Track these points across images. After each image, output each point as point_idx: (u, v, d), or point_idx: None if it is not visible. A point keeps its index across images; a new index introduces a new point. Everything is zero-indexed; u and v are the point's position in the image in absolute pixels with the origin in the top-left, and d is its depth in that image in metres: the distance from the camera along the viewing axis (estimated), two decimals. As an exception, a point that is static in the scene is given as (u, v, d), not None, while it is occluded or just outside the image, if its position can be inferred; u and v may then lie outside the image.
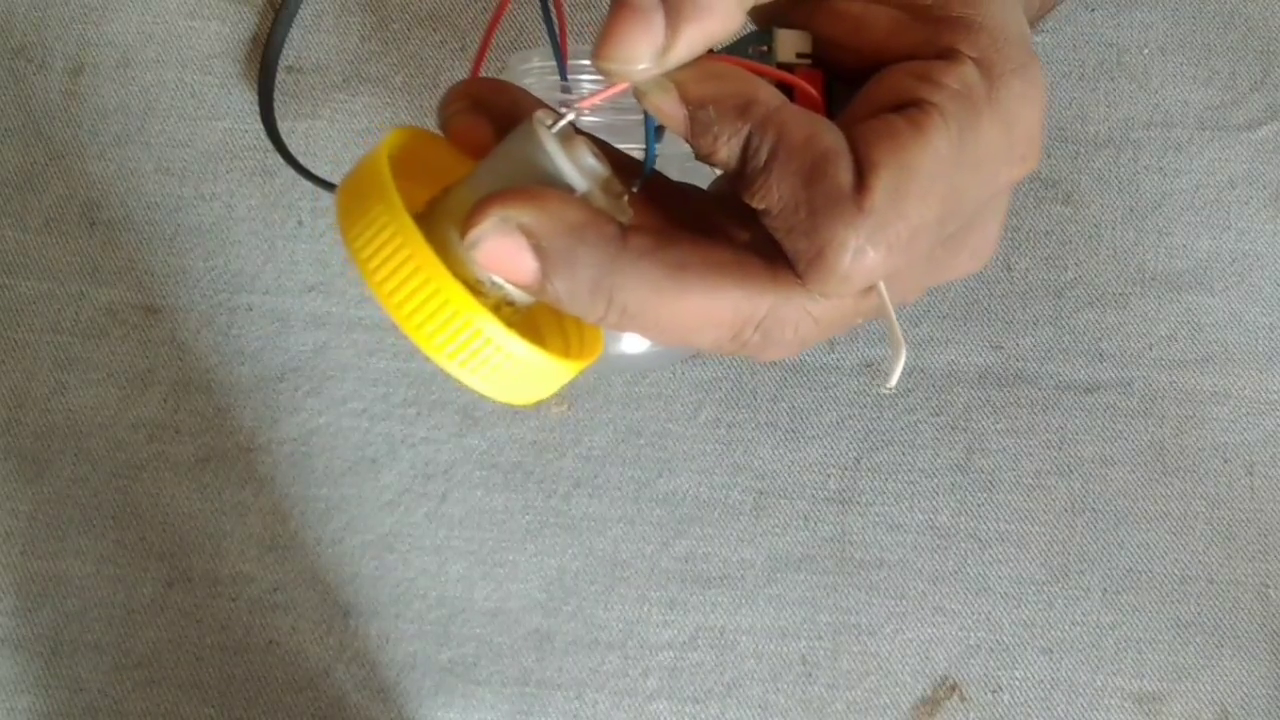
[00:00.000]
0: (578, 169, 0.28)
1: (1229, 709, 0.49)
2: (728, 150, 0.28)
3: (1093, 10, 0.55)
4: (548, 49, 0.44)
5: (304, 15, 0.55)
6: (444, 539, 0.50)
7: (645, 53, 0.27)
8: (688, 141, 0.29)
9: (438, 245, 0.27)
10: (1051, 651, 0.49)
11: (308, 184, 0.53)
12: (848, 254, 0.27)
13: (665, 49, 0.28)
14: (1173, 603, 0.50)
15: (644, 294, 0.28)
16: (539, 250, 0.27)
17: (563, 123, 0.29)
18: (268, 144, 0.53)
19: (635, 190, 0.30)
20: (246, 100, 0.54)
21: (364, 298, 0.52)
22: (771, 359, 0.32)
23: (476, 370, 0.27)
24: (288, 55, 0.54)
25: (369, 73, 0.54)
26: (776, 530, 0.50)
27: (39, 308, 0.52)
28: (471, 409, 0.51)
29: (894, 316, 0.30)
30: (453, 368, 0.27)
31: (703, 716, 0.49)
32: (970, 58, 0.29)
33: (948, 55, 0.29)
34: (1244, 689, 0.49)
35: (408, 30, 0.55)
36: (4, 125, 0.54)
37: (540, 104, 0.31)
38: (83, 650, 0.50)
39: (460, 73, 0.54)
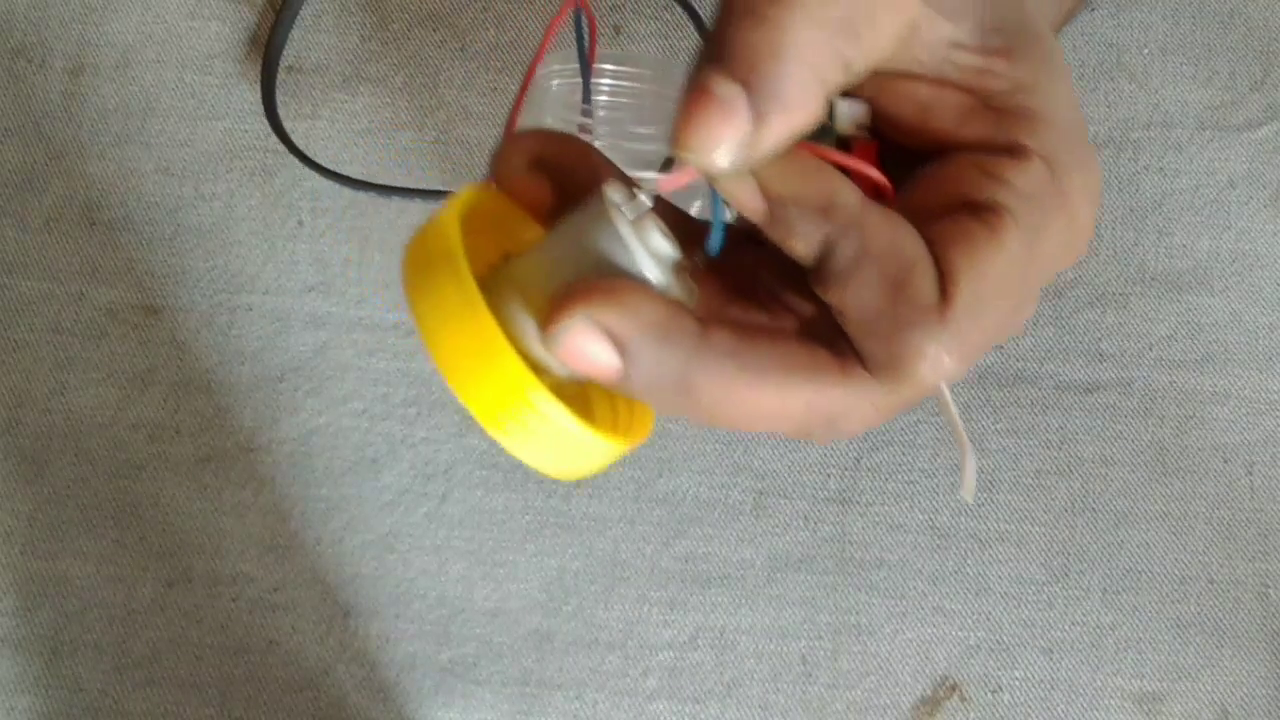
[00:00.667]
0: (653, 258, 0.28)
1: (1229, 709, 0.49)
2: (806, 247, 0.28)
3: (1093, 10, 0.55)
4: (568, 53, 0.45)
5: (304, 15, 0.55)
6: (444, 539, 0.50)
7: (728, 146, 0.26)
8: (762, 230, 0.28)
9: (501, 317, 0.27)
10: (1051, 651, 0.49)
11: (308, 184, 0.53)
12: (926, 363, 0.28)
13: (750, 145, 0.27)
14: (1173, 603, 0.50)
15: (721, 394, 0.28)
16: (621, 349, 0.27)
17: (638, 206, 0.28)
18: (268, 144, 0.53)
19: (699, 263, 0.30)
20: (246, 100, 0.54)
21: (363, 298, 0.52)
22: (829, 443, 0.32)
23: (531, 446, 0.27)
24: (288, 55, 0.54)
25: (369, 73, 0.54)
26: (776, 530, 0.50)
27: (39, 308, 0.52)
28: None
29: (958, 418, 0.31)
30: (508, 442, 0.27)
31: (703, 716, 0.49)
32: (1038, 154, 0.29)
33: (1016, 152, 0.29)
34: (1244, 689, 0.49)
35: (408, 30, 0.55)
36: (4, 125, 0.54)
37: (605, 162, 0.30)
38: (83, 650, 0.50)
39: (460, 73, 0.54)
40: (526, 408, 0.27)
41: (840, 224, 0.27)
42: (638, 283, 0.27)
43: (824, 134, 0.30)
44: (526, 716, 0.49)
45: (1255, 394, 0.51)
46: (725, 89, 0.26)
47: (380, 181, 0.53)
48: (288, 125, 0.53)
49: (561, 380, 0.29)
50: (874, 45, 0.28)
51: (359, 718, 0.49)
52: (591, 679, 0.49)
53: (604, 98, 0.46)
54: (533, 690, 0.49)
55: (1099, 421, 0.51)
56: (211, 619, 0.50)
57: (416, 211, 0.53)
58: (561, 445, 0.28)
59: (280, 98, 0.54)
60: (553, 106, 0.45)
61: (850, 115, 0.30)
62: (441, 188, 0.53)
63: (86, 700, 0.49)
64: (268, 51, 0.53)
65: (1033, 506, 0.50)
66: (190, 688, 0.49)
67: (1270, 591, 0.50)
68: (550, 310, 0.27)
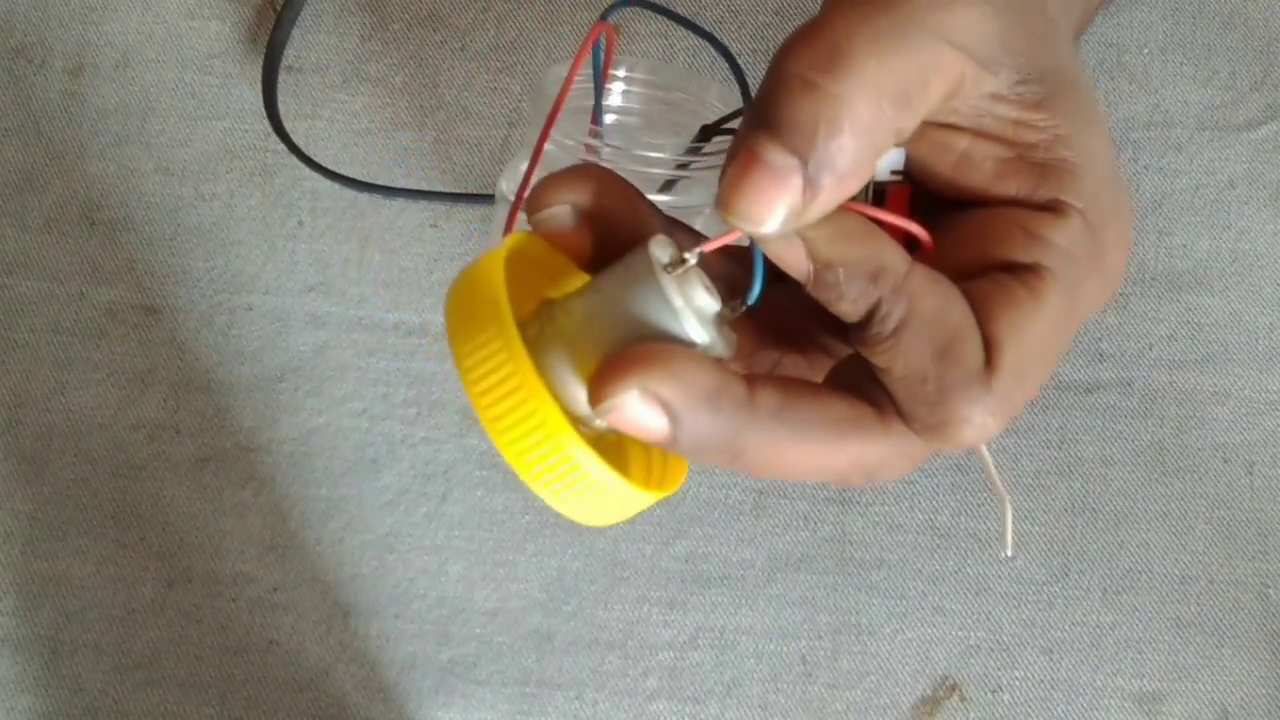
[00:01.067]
0: (698, 316, 0.28)
1: (1229, 709, 0.49)
2: (852, 309, 0.28)
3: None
4: (584, 60, 0.44)
5: (304, 15, 0.55)
6: (444, 539, 0.50)
7: (778, 215, 0.26)
8: (807, 289, 0.28)
9: (542, 367, 0.28)
10: (1051, 651, 0.49)
11: (308, 184, 0.53)
12: (971, 428, 0.28)
13: (800, 214, 0.27)
14: (1173, 603, 0.50)
15: (770, 455, 0.28)
16: (671, 417, 0.27)
17: (683, 265, 0.28)
18: (268, 144, 0.53)
19: (739, 311, 0.30)
20: (246, 100, 0.54)
21: (363, 298, 0.52)
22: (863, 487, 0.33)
23: (565, 496, 0.28)
24: (288, 55, 0.54)
25: (369, 73, 0.54)
26: (776, 530, 0.50)
27: (39, 308, 0.52)
28: (471, 409, 0.51)
29: (996, 473, 0.32)
30: (541, 490, 0.28)
31: (703, 716, 0.49)
32: (1075, 210, 0.29)
33: (1054, 208, 0.29)
34: (1244, 689, 0.49)
35: (408, 30, 0.55)
36: (4, 125, 0.54)
37: (648, 210, 0.30)
38: (83, 650, 0.50)
39: (460, 73, 0.54)
40: (567, 463, 0.27)
41: (889, 289, 0.27)
42: (687, 349, 0.28)
43: None
44: (526, 716, 0.49)
45: (1255, 394, 0.51)
46: (779, 158, 0.26)
47: (380, 181, 0.53)
48: (288, 125, 0.53)
49: (600, 431, 0.29)
50: (924, 109, 0.28)
51: (359, 718, 0.49)
52: (591, 679, 0.49)
53: (612, 101, 0.46)
54: (533, 690, 0.49)
55: (1099, 421, 0.51)
56: (211, 619, 0.50)
57: (417, 211, 0.53)
58: (600, 498, 0.28)
59: (280, 98, 0.54)
60: (564, 115, 0.45)
61: (887, 163, 0.30)
62: (441, 188, 0.53)
63: (86, 700, 0.49)
64: (268, 51, 0.54)
65: (1033, 506, 0.50)
66: (190, 688, 0.49)
67: (1270, 591, 0.50)
68: (600, 378, 0.27)
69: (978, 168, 0.29)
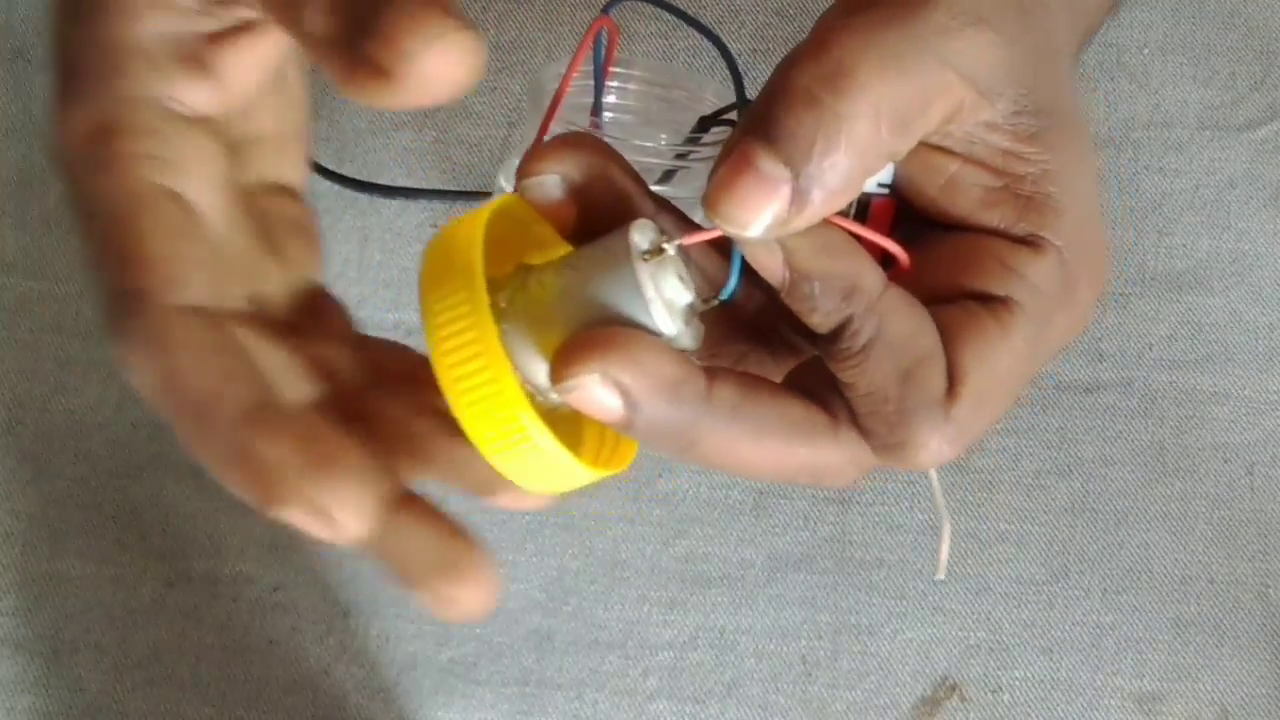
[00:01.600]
0: (668, 307, 0.28)
1: (1229, 709, 0.49)
2: (823, 321, 0.28)
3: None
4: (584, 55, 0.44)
5: (304, 15, 0.55)
6: (444, 539, 0.50)
7: (762, 222, 0.27)
8: (781, 296, 0.28)
9: (508, 335, 0.28)
10: (1051, 651, 0.49)
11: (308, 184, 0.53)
12: (926, 452, 0.28)
13: (784, 223, 0.27)
14: (1173, 603, 0.50)
15: (721, 450, 0.28)
16: (629, 403, 0.27)
17: (661, 254, 0.28)
18: (268, 144, 0.53)
19: (712, 304, 0.30)
20: (246, 100, 0.54)
21: (363, 298, 0.52)
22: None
23: (509, 460, 0.28)
24: (288, 55, 0.54)
25: (369, 73, 0.54)
26: (776, 530, 0.50)
27: (39, 308, 0.52)
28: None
29: (941, 495, 0.32)
30: (488, 452, 0.28)
31: (703, 716, 0.49)
32: (1053, 247, 0.29)
33: (1033, 243, 0.29)
34: (1244, 689, 0.49)
35: (408, 30, 0.55)
36: (4, 125, 0.54)
37: (636, 187, 0.30)
38: (83, 650, 0.50)
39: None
40: (519, 433, 0.27)
41: (862, 307, 0.28)
42: (651, 337, 0.28)
43: None
44: (526, 716, 0.49)
45: (1255, 394, 0.51)
46: (771, 167, 0.26)
47: (380, 181, 0.53)
48: (288, 125, 0.53)
49: (556, 403, 0.29)
50: (921, 133, 0.28)
51: (359, 718, 0.49)
52: (591, 679, 0.49)
53: (611, 99, 0.46)
54: (533, 690, 0.49)
55: (1099, 421, 0.51)
56: (211, 619, 0.50)
57: (416, 211, 0.53)
58: (544, 469, 0.28)
59: (280, 98, 0.54)
60: (562, 110, 0.45)
61: (876, 176, 0.30)
62: (441, 187, 0.53)
63: (86, 700, 0.49)
64: (268, 51, 0.53)
65: (1033, 506, 0.50)
66: (190, 687, 0.49)
67: (1270, 591, 0.50)
68: (563, 357, 0.27)
69: (964, 193, 0.30)
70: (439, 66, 0.26)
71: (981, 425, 0.29)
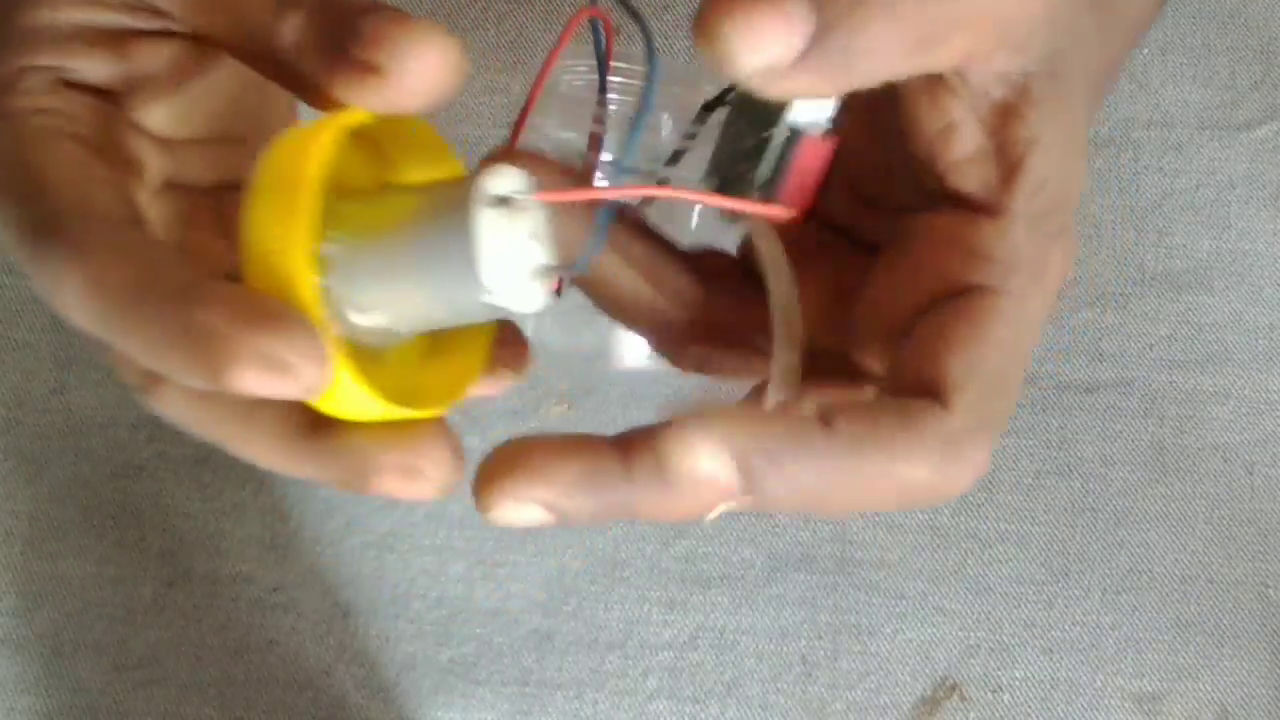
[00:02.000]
0: (505, 264, 0.26)
1: (1229, 709, 0.49)
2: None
3: (1093, 10, 0.55)
4: (583, 50, 0.44)
5: (304, 15, 0.55)
6: (444, 539, 0.50)
7: (761, 57, 0.24)
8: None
9: (335, 259, 0.26)
10: (1051, 651, 0.49)
11: (308, 184, 0.53)
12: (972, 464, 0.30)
13: (778, 74, 0.24)
14: (1173, 603, 0.50)
15: (657, 509, 0.28)
16: (551, 510, 0.27)
17: (512, 204, 0.27)
18: (268, 144, 0.53)
19: (567, 275, 0.28)
20: (246, 100, 0.54)
21: (364, 298, 0.52)
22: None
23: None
24: (288, 55, 0.54)
25: (369, 73, 0.54)
26: (776, 530, 0.50)
27: (39, 307, 0.52)
28: (471, 409, 0.51)
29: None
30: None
31: (703, 716, 0.49)
32: (1021, 216, 0.27)
33: (1000, 212, 0.27)
34: (1244, 689, 0.49)
35: (408, 30, 0.55)
36: (4, 125, 0.54)
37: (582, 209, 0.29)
38: (83, 650, 0.50)
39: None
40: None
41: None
42: (547, 439, 0.27)
43: (774, 120, 0.28)
44: (526, 716, 0.49)
45: (1255, 394, 0.51)
46: (794, 3, 0.24)
47: (380, 181, 0.53)
48: (288, 125, 0.53)
49: (392, 333, 0.28)
50: (933, 63, 0.26)
51: (359, 718, 0.49)
52: (591, 679, 0.49)
53: (613, 96, 0.46)
54: (533, 690, 0.49)
55: (1099, 421, 0.51)
56: (211, 619, 0.50)
57: (416, 211, 0.53)
58: (346, 403, 0.27)
59: (280, 98, 0.54)
60: (563, 104, 0.45)
61: (814, 111, 0.28)
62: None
63: (86, 700, 0.49)
64: (268, 51, 0.53)
65: (1033, 506, 0.50)
66: (190, 688, 0.49)
67: (1270, 591, 0.50)
68: (475, 489, 0.27)
69: (957, 145, 0.27)
70: (427, 63, 0.26)
71: (990, 427, 0.29)
